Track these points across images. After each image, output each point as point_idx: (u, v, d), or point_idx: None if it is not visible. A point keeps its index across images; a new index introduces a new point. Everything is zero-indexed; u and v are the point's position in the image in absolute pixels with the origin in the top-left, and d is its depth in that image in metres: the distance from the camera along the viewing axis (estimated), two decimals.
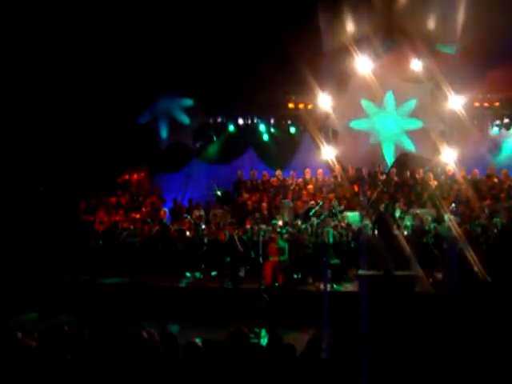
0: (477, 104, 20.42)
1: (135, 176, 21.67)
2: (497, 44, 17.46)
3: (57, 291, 15.66)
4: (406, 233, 16.22)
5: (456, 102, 20.06)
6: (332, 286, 14.83)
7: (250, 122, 22.46)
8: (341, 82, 21.24)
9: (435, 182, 19.46)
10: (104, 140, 20.05)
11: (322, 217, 17.51)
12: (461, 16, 18.38)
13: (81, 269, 16.56)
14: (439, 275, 15.09)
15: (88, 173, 19.75)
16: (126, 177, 21.62)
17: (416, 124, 20.86)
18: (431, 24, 19.26)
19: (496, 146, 20.74)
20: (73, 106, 19.49)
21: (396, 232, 15.98)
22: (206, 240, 16.85)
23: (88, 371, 5.77)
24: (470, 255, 14.49)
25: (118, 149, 20.41)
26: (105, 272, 16.49)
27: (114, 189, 20.90)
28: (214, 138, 22.78)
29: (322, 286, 14.82)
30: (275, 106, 21.77)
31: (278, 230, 16.53)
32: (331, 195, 19.17)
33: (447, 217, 16.63)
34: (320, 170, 21.01)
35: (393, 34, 19.50)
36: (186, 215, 18.49)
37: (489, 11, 16.81)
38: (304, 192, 19.81)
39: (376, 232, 15.97)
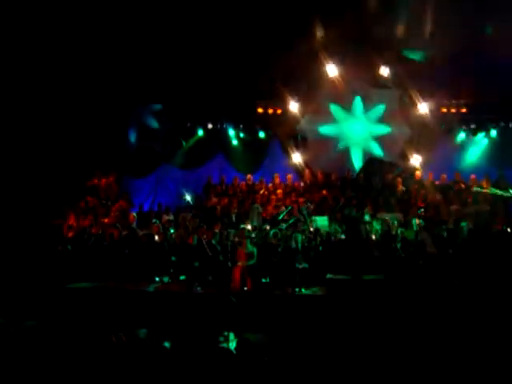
0: (444, 110, 20.67)
1: (104, 180, 21.52)
2: (464, 51, 17.66)
3: (24, 296, 15.49)
4: (374, 237, 16.36)
5: (424, 108, 20.30)
6: (300, 291, 14.87)
7: (219, 126, 22.47)
8: (310, 87, 21.37)
9: (403, 187, 19.64)
10: (72, 144, 19.90)
11: (291, 221, 17.58)
12: (428, 23, 18.55)
13: (49, 274, 16.39)
14: (406, 279, 15.22)
15: (56, 177, 19.57)
16: (95, 181, 21.46)
17: (384, 129, 21.12)
18: (400, 31, 19.43)
19: (463, 151, 21.01)
20: (41, 109, 19.32)
21: (364, 237, 16.14)
22: (174, 244, 16.83)
23: (55, 375, 5.75)
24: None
25: (86, 153, 20.26)
26: (73, 277, 16.35)
27: (82, 193, 20.74)
28: (183, 143, 22.72)
29: (290, 291, 14.88)
30: (244, 110, 21.82)
31: (247, 234, 16.56)
32: (300, 199, 19.26)
33: (414, 221, 16.81)
34: (289, 175, 21.12)
35: (361, 40, 19.62)
36: (155, 220, 18.42)
37: (455, 19, 16.99)
38: (273, 197, 19.85)
39: (344, 237, 16.10)
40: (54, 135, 19.55)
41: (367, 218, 17.59)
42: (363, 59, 20.52)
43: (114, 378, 5.83)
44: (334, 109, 21.49)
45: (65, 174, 19.79)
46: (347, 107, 21.45)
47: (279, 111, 21.79)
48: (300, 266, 15.24)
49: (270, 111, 21.84)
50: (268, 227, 17.26)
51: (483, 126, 20.57)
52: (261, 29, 18.38)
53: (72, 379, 5.82)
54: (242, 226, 17.42)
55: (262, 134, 22.30)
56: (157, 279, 16.33)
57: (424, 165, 20.47)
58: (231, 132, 22.44)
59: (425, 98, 20.20)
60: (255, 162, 22.36)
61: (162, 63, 19.45)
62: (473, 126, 20.63)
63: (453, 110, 20.60)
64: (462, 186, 19.26)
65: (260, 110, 21.84)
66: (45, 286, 15.79)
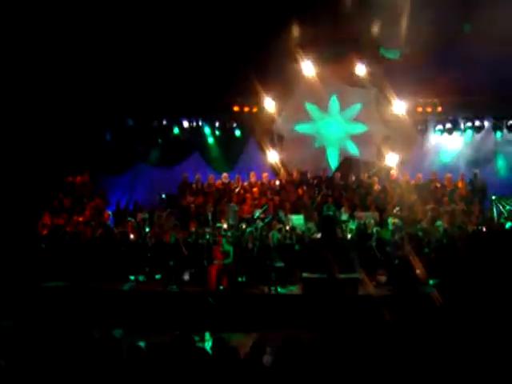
0: (420, 109, 20.72)
1: (78, 178, 21.32)
2: (439, 50, 17.74)
3: None
4: (349, 236, 16.37)
5: (399, 107, 20.35)
6: (276, 289, 14.86)
7: (194, 124, 22.33)
8: (286, 85, 21.34)
9: (379, 186, 19.67)
10: (47, 142, 19.72)
11: (267, 220, 17.54)
12: (405, 23, 18.59)
13: (23, 272, 16.19)
14: (382, 278, 15.26)
15: (31, 175, 19.36)
16: (70, 179, 21.26)
17: (360, 128, 21.14)
18: (376, 29, 19.45)
19: (438, 151, 21.05)
20: (17, 108, 19.13)
21: (340, 235, 16.15)
22: (149, 243, 16.75)
23: (28, 376, 5.67)
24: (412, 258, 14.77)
25: (60, 151, 20.09)
26: (48, 276, 16.18)
27: (57, 191, 20.53)
28: (159, 141, 22.57)
29: (266, 289, 14.87)
30: (220, 108, 21.72)
31: (223, 233, 16.51)
32: (276, 198, 19.23)
33: (390, 220, 16.85)
34: (265, 174, 21.04)
35: (338, 38, 19.61)
36: (130, 218, 18.30)
37: (431, 17, 17.05)
38: (249, 195, 19.80)
39: (320, 235, 16.09)
40: (29, 133, 19.35)
41: (343, 217, 17.63)
42: (339, 58, 20.54)
43: (89, 378, 5.76)
44: (310, 108, 21.48)
45: (39, 171, 19.58)
46: (323, 106, 21.43)
47: (255, 109, 21.73)
48: (276, 265, 15.25)
49: (246, 109, 21.74)
50: (244, 226, 17.22)
51: (459, 126, 20.63)
52: (237, 27, 18.34)
53: (49, 379, 5.74)
54: (218, 224, 17.37)
55: (238, 133, 22.18)
56: (132, 278, 16.24)
57: (400, 164, 20.53)
58: (207, 130, 22.33)
59: (401, 96, 20.25)
60: (231, 161, 22.23)
61: (137, 60, 19.32)
62: (448, 126, 20.67)
63: (428, 109, 20.65)
64: (438, 185, 19.32)
65: (236, 109, 21.73)
66: (19, 285, 15.61)
